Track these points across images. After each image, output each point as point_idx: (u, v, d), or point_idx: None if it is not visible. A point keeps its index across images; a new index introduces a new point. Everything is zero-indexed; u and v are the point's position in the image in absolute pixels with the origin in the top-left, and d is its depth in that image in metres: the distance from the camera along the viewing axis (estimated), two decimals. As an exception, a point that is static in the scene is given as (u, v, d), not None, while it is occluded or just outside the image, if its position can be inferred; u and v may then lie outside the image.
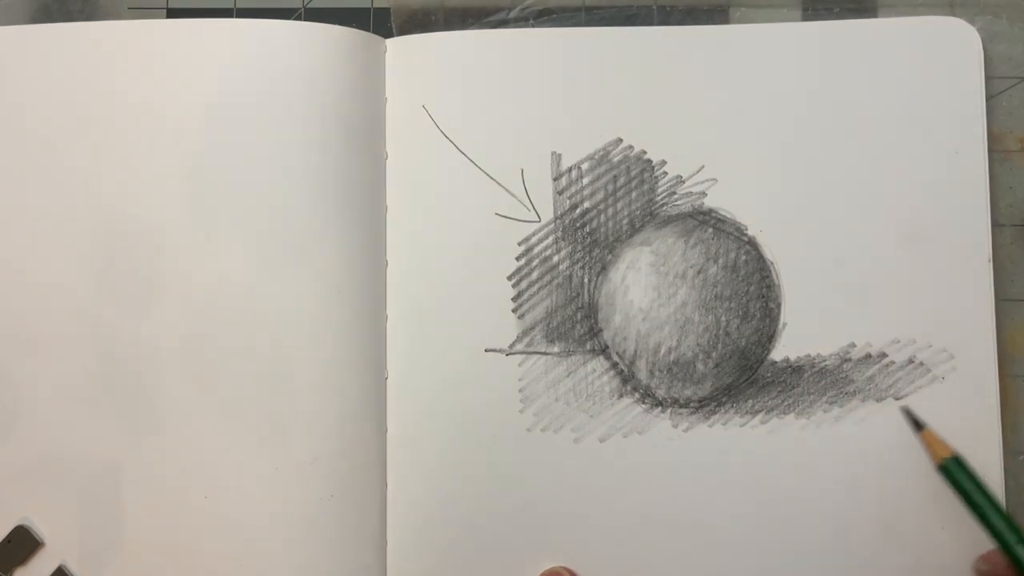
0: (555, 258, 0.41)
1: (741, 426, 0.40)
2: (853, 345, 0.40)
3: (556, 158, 0.41)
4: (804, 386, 0.40)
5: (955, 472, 0.35)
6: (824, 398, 0.40)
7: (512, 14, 0.43)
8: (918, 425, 0.37)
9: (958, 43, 0.41)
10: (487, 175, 0.41)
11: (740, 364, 0.40)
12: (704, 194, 0.41)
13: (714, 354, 0.40)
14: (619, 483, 0.39)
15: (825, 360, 0.40)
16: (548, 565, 0.39)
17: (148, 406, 0.40)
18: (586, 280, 0.41)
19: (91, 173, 0.40)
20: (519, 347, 0.40)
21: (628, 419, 0.40)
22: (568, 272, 0.41)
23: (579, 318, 0.40)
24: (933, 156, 0.40)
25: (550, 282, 0.41)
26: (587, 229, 0.41)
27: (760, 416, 0.40)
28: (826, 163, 0.40)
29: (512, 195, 0.41)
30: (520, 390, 0.40)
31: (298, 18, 0.43)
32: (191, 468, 0.39)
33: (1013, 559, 0.33)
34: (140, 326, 0.40)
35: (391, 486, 0.40)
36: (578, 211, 0.41)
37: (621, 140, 0.41)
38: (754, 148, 0.41)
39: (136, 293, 0.40)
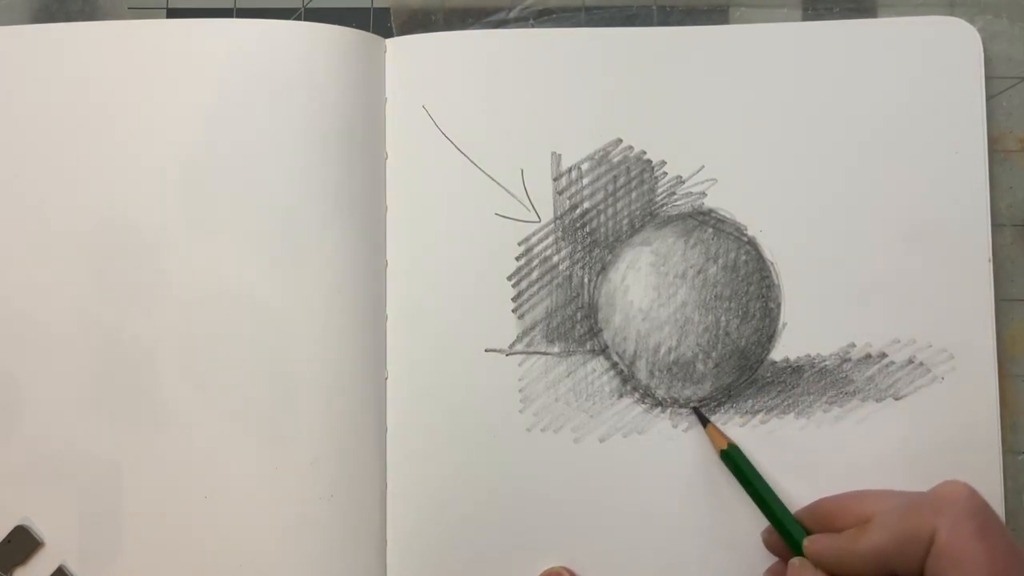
0: (555, 258, 0.41)
1: (741, 426, 0.40)
2: (853, 345, 0.40)
3: (556, 158, 0.41)
4: (804, 386, 0.40)
5: (734, 457, 0.38)
6: (824, 398, 0.40)
7: (512, 14, 0.43)
8: (704, 422, 0.39)
9: (958, 43, 0.41)
10: (487, 175, 0.41)
11: (740, 364, 0.40)
12: (704, 194, 0.41)
13: (714, 354, 0.40)
14: (619, 483, 0.39)
15: (825, 360, 0.40)
16: (548, 565, 0.39)
17: (148, 406, 0.40)
18: (586, 280, 0.41)
19: (91, 173, 0.40)
20: (519, 347, 0.40)
21: (628, 419, 0.40)
22: (568, 272, 0.41)
23: (579, 318, 0.40)
24: (933, 156, 0.40)
25: (550, 282, 0.41)
26: (587, 229, 0.41)
27: (760, 416, 0.40)
28: (826, 163, 0.40)
29: (512, 195, 0.41)
30: (520, 390, 0.40)
31: (298, 18, 0.43)
32: (191, 468, 0.39)
33: (779, 529, 0.37)
34: (140, 326, 0.40)
35: (391, 486, 0.40)
36: (578, 211, 0.41)
37: (621, 140, 0.41)
38: (754, 148, 0.41)
39: (136, 293, 0.40)
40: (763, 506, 0.37)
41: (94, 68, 0.41)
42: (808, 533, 0.36)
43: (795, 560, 0.35)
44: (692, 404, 0.40)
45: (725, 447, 0.38)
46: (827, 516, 0.36)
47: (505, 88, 0.41)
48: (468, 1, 0.43)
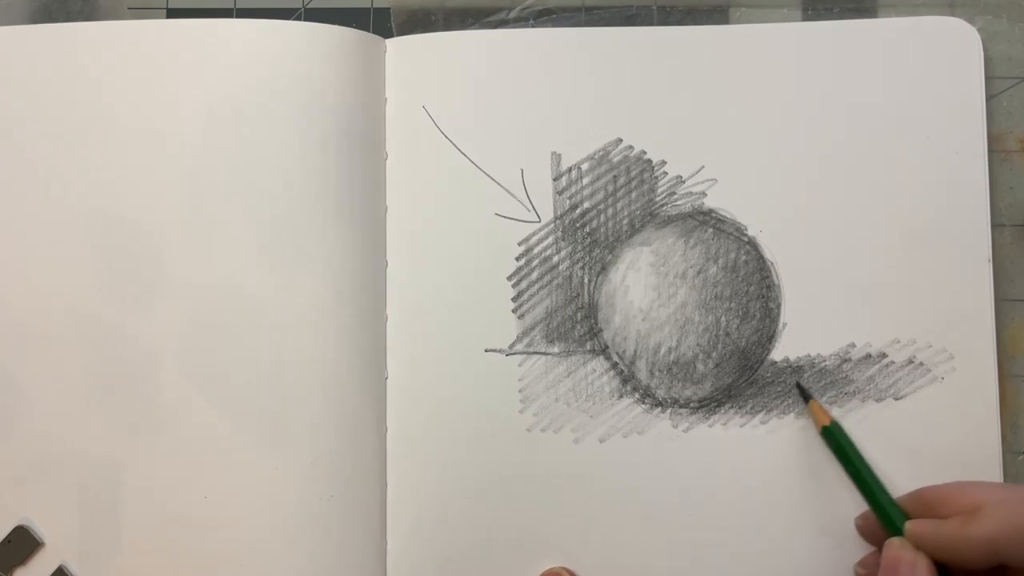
0: (555, 258, 0.41)
1: (741, 426, 0.40)
2: (853, 345, 0.40)
3: (556, 158, 0.41)
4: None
5: (836, 436, 0.38)
6: (824, 398, 0.40)
7: (512, 14, 0.43)
8: (806, 397, 0.39)
9: (958, 43, 0.41)
10: (487, 175, 0.41)
11: (740, 364, 0.40)
12: (704, 194, 0.41)
13: (714, 354, 0.40)
14: (619, 483, 0.39)
15: (825, 360, 0.40)
16: (548, 565, 0.39)
17: (148, 406, 0.40)
18: (586, 280, 0.41)
19: (91, 173, 0.40)
20: (519, 347, 0.40)
21: (628, 419, 0.40)
22: (568, 272, 0.41)
23: (579, 318, 0.40)
24: (933, 156, 0.40)
25: (550, 282, 0.41)
26: (587, 229, 0.41)
27: (760, 416, 0.40)
28: (826, 163, 0.40)
29: (512, 195, 0.41)
30: (520, 390, 0.40)
31: (298, 18, 0.43)
32: (191, 468, 0.39)
33: (878, 512, 0.36)
34: (140, 326, 0.40)
35: (391, 486, 0.40)
36: (578, 211, 0.41)
37: (621, 140, 0.41)
38: (754, 148, 0.41)
39: (136, 293, 0.40)
40: (863, 487, 0.37)
41: (94, 68, 0.41)
42: (908, 518, 0.35)
43: (894, 539, 0.35)
44: (798, 380, 0.39)
45: (828, 424, 0.38)
46: (929, 504, 0.35)
47: (505, 88, 0.41)
48: (468, 1, 0.43)
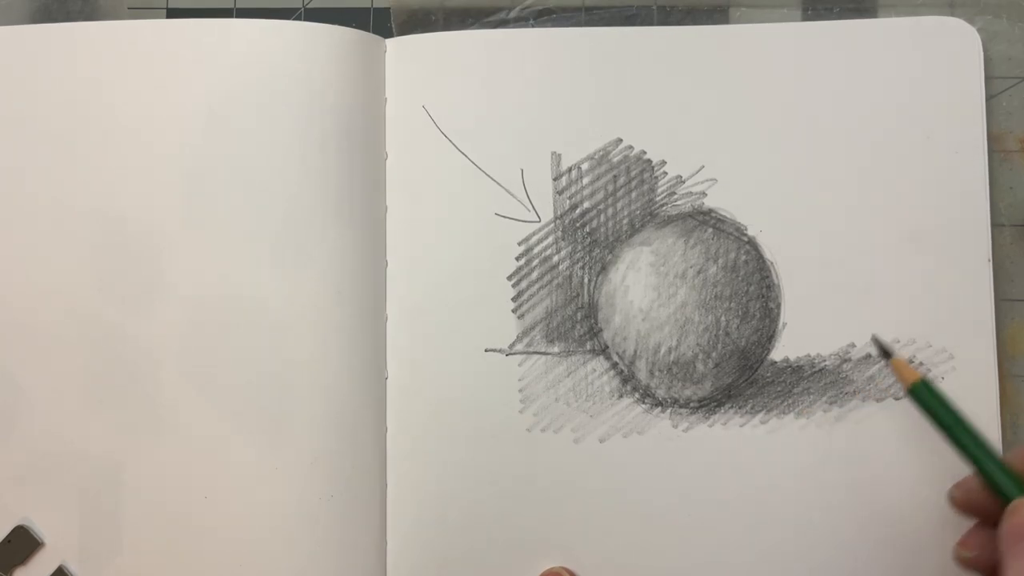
0: (555, 258, 0.41)
1: (741, 426, 0.40)
2: (853, 345, 0.40)
3: (556, 158, 0.41)
4: (804, 386, 0.40)
5: (925, 395, 0.34)
6: (824, 398, 0.40)
7: (512, 14, 0.43)
8: (886, 354, 0.36)
9: (958, 43, 0.41)
10: (487, 175, 0.41)
11: (740, 364, 0.40)
12: (704, 194, 0.41)
13: (714, 354, 0.40)
14: (619, 483, 0.39)
15: (825, 360, 0.40)
16: (548, 565, 0.39)
17: (148, 406, 0.40)
18: (586, 280, 0.41)
19: (91, 173, 0.40)
20: (519, 347, 0.40)
21: (628, 419, 0.40)
22: (568, 272, 0.41)
23: (579, 318, 0.40)
24: (933, 156, 0.40)
25: (550, 282, 0.41)
26: (587, 229, 0.41)
27: (760, 416, 0.40)
28: (826, 163, 0.40)
29: (512, 195, 0.41)
30: (520, 390, 0.40)
31: (298, 18, 0.43)
32: (191, 468, 0.39)
33: (985, 476, 0.32)
34: (140, 326, 0.40)
35: (391, 486, 0.40)
36: (578, 211, 0.41)
37: (621, 140, 0.41)
38: (754, 148, 0.41)
39: (136, 293, 0.40)
40: (964, 449, 0.32)
41: (94, 68, 0.41)
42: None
43: (1022, 501, 0.30)
44: (874, 335, 0.37)
45: (916, 381, 0.34)
46: None
47: (505, 88, 0.41)
48: (468, 1, 0.43)
